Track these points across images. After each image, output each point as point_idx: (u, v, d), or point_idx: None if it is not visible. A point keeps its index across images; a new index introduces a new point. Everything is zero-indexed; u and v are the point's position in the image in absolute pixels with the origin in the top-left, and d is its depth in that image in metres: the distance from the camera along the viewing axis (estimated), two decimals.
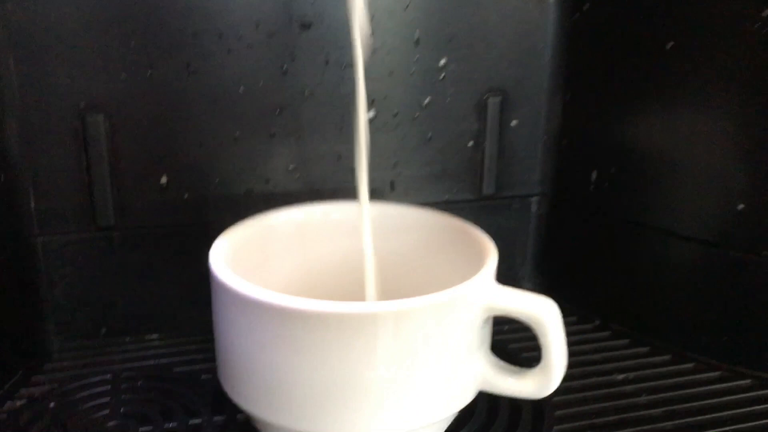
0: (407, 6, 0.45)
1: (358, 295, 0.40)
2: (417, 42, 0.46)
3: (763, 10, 0.39)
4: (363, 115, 0.36)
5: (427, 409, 0.35)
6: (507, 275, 0.53)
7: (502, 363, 0.36)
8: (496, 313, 0.35)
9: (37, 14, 0.40)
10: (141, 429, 0.38)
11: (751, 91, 0.40)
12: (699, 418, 0.39)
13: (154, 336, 0.46)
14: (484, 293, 0.34)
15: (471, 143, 0.49)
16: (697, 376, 0.43)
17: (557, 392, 0.41)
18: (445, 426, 0.38)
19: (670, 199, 0.45)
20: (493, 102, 0.48)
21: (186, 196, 0.45)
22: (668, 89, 0.44)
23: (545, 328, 0.34)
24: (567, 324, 0.49)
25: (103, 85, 0.41)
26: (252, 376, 0.34)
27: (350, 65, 0.41)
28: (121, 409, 0.39)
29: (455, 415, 0.38)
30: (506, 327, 0.43)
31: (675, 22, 0.42)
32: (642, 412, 0.40)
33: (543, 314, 0.33)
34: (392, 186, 0.48)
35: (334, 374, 0.33)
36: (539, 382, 0.35)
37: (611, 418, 0.39)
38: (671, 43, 0.42)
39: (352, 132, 0.39)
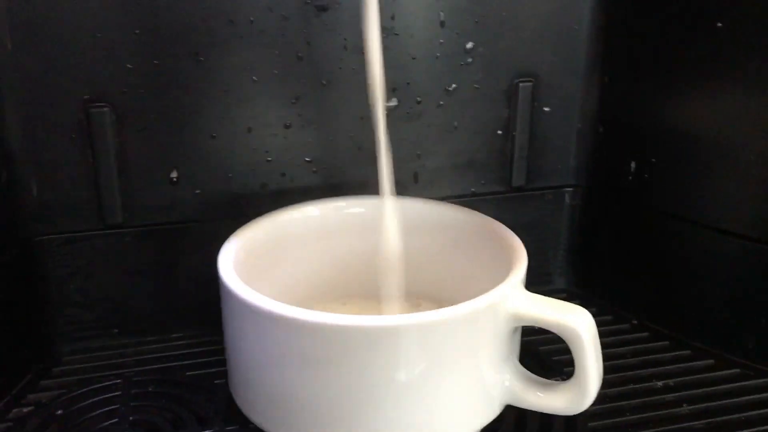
0: None
1: (377, 298, 0.37)
2: (442, 24, 0.43)
3: None
4: (381, 103, 0.34)
5: (449, 427, 0.32)
6: (538, 272, 0.50)
7: (531, 375, 0.34)
8: (525, 323, 0.32)
9: (38, 3, 0.37)
10: None
11: None
12: (751, 431, 0.36)
13: (166, 336, 0.44)
14: (512, 302, 0.32)
15: (500, 132, 0.46)
16: (743, 383, 0.40)
17: None
18: None
19: (715, 191, 0.42)
20: (524, 87, 0.45)
21: (197, 191, 0.42)
22: (715, 73, 0.40)
23: (579, 341, 0.31)
24: (602, 323, 0.46)
25: (107, 75, 0.39)
26: (264, 390, 0.33)
27: None
28: (131, 418, 0.38)
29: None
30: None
31: (725, 0, 0.38)
32: (684, 425, 0.37)
33: (577, 326, 0.31)
34: (416, 178, 0.45)
35: (352, 390, 0.31)
36: (571, 399, 0.32)
37: (650, 431, 0.37)
38: (720, 24, 0.39)
39: (373, 121, 0.37)
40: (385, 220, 0.36)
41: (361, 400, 0.31)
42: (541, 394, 0.33)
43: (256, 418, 0.34)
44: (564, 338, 0.31)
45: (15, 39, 0.38)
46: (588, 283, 0.50)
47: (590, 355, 0.31)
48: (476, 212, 0.39)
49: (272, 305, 0.30)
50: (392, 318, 0.30)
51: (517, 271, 0.33)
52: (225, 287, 0.32)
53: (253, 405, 0.34)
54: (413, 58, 0.43)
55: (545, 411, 0.33)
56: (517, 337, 0.34)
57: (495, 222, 0.38)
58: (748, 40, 0.38)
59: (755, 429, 0.37)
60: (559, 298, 0.33)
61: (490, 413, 0.33)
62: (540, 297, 0.32)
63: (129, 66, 0.39)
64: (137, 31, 0.39)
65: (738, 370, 0.41)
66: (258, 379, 0.33)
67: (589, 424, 0.37)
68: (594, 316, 0.47)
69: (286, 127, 0.42)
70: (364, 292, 0.38)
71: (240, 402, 0.35)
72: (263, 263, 0.37)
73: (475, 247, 0.38)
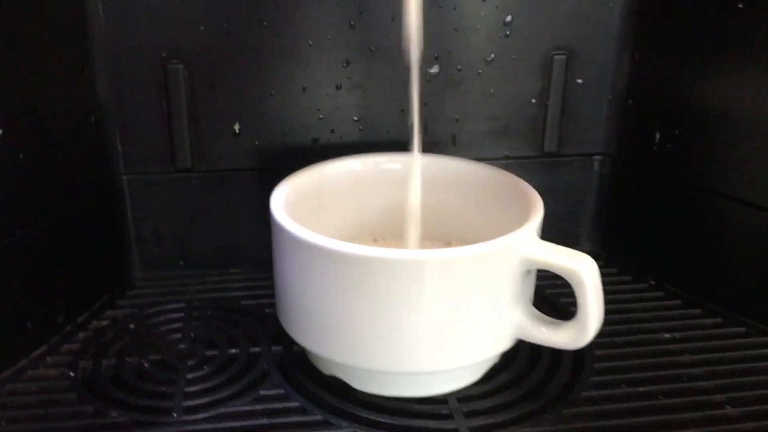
0: None
1: (407, 239, 0.42)
2: None
3: None
4: (416, 69, 0.38)
5: (466, 351, 0.37)
6: (567, 233, 0.54)
7: (540, 314, 0.38)
8: (535, 265, 0.36)
9: None
10: (207, 353, 0.42)
11: None
12: (740, 379, 0.40)
13: (226, 270, 0.50)
14: (525, 246, 0.36)
15: (534, 101, 0.49)
16: (746, 340, 0.43)
17: (601, 345, 0.42)
18: (486, 368, 0.40)
19: (733, 163, 0.44)
20: (559, 60, 0.48)
21: (257, 142, 0.47)
22: (738, 51, 0.43)
23: (582, 283, 0.35)
24: (622, 283, 0.50)
25: (183, 36, 0.44)
26: (305, 313, 0.38)
27: None
28: (192, 335, 0.43)
29: (497, 359, 0.41)
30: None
31: None
32: (682, 371, 0.40)
33: (579, 269, 0.35)
34: (453, 141, 0.49)
35: (381, 314, 0.35)
36: (574, 334, 0.36)
37: (649, 373, 0.40)
38: (741, 4, 0.41)
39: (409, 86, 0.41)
40: (412, 175, 0.40)
41: (388, 323, 0.35)
42: (547, 330, 0.37)
43: (299, 338, 0.39)
44: (569, 281, 0.35)
45: (105, 4, 0.43)
46: (613, 246, 0.53)
47: (591, 296, 0.35)
48: (501, 170, 0.43)
49: (314, 237, 0.35)
50: (415, 252, 0.35)
51: (533, 220, 0.37)
52: (275, 222, 0.37)
53: (295, 326, 0.39)
54: (455, 29, 0.47)
55: (550, 345, 0.37)
56: (531, 280, 0.38)
57: (517, 178, 0.42)
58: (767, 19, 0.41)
59: (749, 378, 0.40)
60: None
61: (502, 344, 0.38)
62: (550, 244, 0.36)
63: (201, 28, 0.44)
64: None
65: (743, 329, 0.44)
66: (300, 303, 0.38)
67: (596, 365, 0.41)
68: (614, 275, 0.51)
69: (337, 88, 0.47)
70: (398, 233, 0.43)
71: (285, 325, 0.40)
72: (310, 206, 0.42)
73: (500, 200, 0.42)
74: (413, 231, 0.41)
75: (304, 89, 0.47)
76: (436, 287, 0.35)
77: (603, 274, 0.50)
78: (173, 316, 0.45)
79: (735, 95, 0.43)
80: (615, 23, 0.48)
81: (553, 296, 0.46)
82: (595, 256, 0.52)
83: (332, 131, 0.48)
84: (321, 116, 0.47)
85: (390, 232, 0.44)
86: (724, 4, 0.42)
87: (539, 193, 0.39)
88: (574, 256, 0.35)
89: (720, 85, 0.44)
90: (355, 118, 0.48)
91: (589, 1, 0.47)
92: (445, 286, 0.35)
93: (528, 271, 0.37)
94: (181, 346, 0.42)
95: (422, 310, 0.35)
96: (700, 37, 0.44)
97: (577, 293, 0.35)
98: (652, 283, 0.50)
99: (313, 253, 0.36)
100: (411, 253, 0.34)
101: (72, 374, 0.40)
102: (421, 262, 0.34)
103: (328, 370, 0.40)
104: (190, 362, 0.41)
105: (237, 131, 0.47)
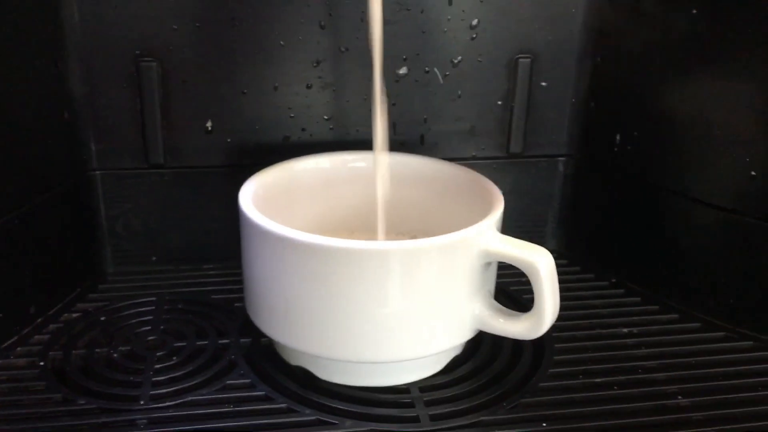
0: None
1: (373, 237, 0.43)
2: (450, 2, 0.48)
3: None
4: (378, 69, 0.39)
5: (428, 341, 0.38)
6: (533, 232, 0.55)
7: (499, 306, 0.39)
8: (494, 258, 0.37)
9: None
10: (176, 344, 0.42)
11: None
12: (693, 371, 0.41)
13: (197, 266, 0.51)
14: (484, 239, 0.37)
15: (500, 102, 0.51)
16: (701, 335, 0.45)
17: (561, 339, 0.44)
18: (449, 358, 0.41)
19: (689, 163, 0.46)
20: (524, 63, 0.50)
21: (229, 140, 0.48)
22: (694, 55, 0.44)
23: (538, 275, 0.36)
24: (584, 280, 0.52)
25: (156, 34, 0.45)
26: (271, 303, 0.39)
27: (386, 22, 0.44)
28: (161, 327, 0.44)
29: (460, 350, 0.42)
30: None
31: None
32: (637, 363, 0.42)
33: (535, 261, 0.36)
34: (422, 140, 0.51)
35: (343, 304, 0.36)
36: (530, 325, 0.37)
37: (607, 365, 0.42)
38: (695, 10, 0.43)
39: (385, 86, 0.42)
40: (377, 172, 0.41)
41: (350, 313, 0.36)
42: (505, 321, 0.38)
43: (265, 328, 0.40)
44: (526, 273, 0.37)
45: (80, 1, 0.44)
46: (577, 245, 0.54)
47: (547, 288, 0.36)
48: (464, 167, 0.44)
49: (277, 227, 0.36)
50: (377, 242, 0.36)
51: (493, 214, 0.38)
52: (241, 214, 0.38)
53: (261, 317, 0.40)
54: (423, 32, 0.48)
55: (508, 335, 0.38)
56: (491, 273, 0.40)
57: (479, 175, 0.43)
58: (718, 26, 0.42)
59: (701, 371, 0.41)
60: None
61: (463, 334, 0.39)
62: (509, 237, 0.38)
63: (174, 27, 0.45)
64: None
65: (698, 324, 0.46)
66: (265, 293, 0.39)
67: (555, 357, 0.42)
68: (578, 273, 0.53)
69: (308, 87, 0.48)
70: (365, 227, 0.44)
71: (252, 316, 0.41)
72: (280, 201, 0.42)
73: (463, 195, 0.43)
74: (380, 225, 0.42)
75: (275, 88, 0.48)
76: (398, 277, 0.36)
77: (567, 273, 0.53)
78: (144, 309, 0.46)
79: (691, 98, 0.45)
80: (577, 28, 0.50)
81: (516, 293, 0.48)
82: (560, 255, 0.54)
83: (303, 129, 0.49)
84: (292, 114, 0.49)
85: (361, 226, 0.45)
86: (679, 9, 0.44)
87: (506, 192, 0.41)
88: (531, 249, 0.37)
89: (677, 88, 0.46)
90: (325, 116, 0.49)
91: (553, 6, 0.49)
92: (407, 276, 0.36)
93: (488, 264, 0.38)
94: (151, 337, 0.43)
95: (384, 300, 0.36)
96: (658, 41, 0.46)
97: (533, 285, 0.37)
98: (614, 280, 0.51)
99: (277, 243, 0.37)
100: (373, 244, 0.35)
101: (42, 363, 0.41)
102: (384, 252, 0.35)
103: (294, 360, 0.41)
104: (159, 353, 0.42)
105: (209, 128, 0.48)
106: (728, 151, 0.44)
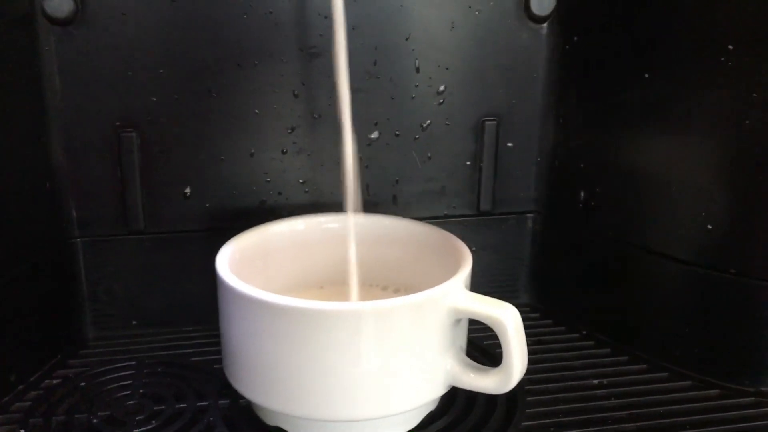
0: (408, 37, 0.49)
1: (348, 297, 0.45)
2: (417, 70, 0.50)
3: (728, 44, 0.42)
4: (348, 138, 0.41)
5: (401, 398, 0.39)
6: (506, 287, 0.57)
7: (470, 361, 0.40)
8: (463, 315, 0.39)
9: (81, 48, 0.46)
10: (155, 408, 0.43)
11: (719, 120, 0.43)
12: (661, 421, 0.42)
13: (177, 329, 0.51)
14: (452, 297, 0.38)
15: (468, 162, 0.53)
16: (668, 385, 0.46)
17: (533, 391, 0.45)
18: (422, 414, 0.42)
19: (650, 218, 0.48)
20: (490, 125, 0.52)
21: (207, 204, 0.50)
22: (648, 115, 0.47)
23: (504, 329, 0.37)
24: (556, 333, 0.53)
25: (136, 105, 0.47)
26: (246, 364, 0.39)
27: (357, 90, 0.47)
28: (141, 391, 0.45)
29: (435, 405, 0.43)
30: None
31: (649, 54, 0.45)
32: (608, 414, 0.43)
33: (502, 316, 0.37)
34: (394, 200, 0.52)
35: (316, 363, 0.37)
36: (500, 380, 0.38)
37: (578, 417, 0.43)
38: (647, 74, 0.46)
39: (359, 150, 0.44)
40: (348, 233, 0.43)
41: (325, 372, 0.37)
42: (475, 376, 0.39)
43: (242, 389, 0.41)
44: (494, 329, 0.38)
45: (62, 75, 0.46)
46: (548, 298, 0.56)
47: (514, 343, 0.38)
48: (434, 227, 0.46)
49: (251, 290, 0.37)
50: (351, 303, 0.37)
51: (460, 273, 0.40)
52: (218, 276, 0.40)
53: (238, 378, 0.40)
54: (392, 98, 0.50)
55: (479, 390, 0.39)
56: (462, 329, 0.41)
57: (449, 234, 0.45)
58: (669, 89, 0.45)
59: (670, 420, 0.42)
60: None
61: (435, 390, 0.40)
62: (476, 294, 0.39)
63: (153, 99, 0.47)
64: (161, 71, 0.47)
65: (666, 374, 0.47)
66: (241, 354, 0.39)
67: (528, 410, 0.43)
68: (550, 326, 0.54)
69: (283, 153, 0.50)
70: (340, 284, 0.45)
71: (230, 377, 0.42)
72: (256, 264, 0.44)
73: (435, 253, 0.45)
74: (353, 283, 0.43)
75: (251, 154, 0.50)
76: (370, 336, 0.37)
77: (539, 326, 0.54)
78: (123, 373, 0.47)
79: (650, 155, 0.47)
80: (539, 91, 0.52)
81: (492, 347, 0.49)
82: (532, 309, 0.56)
83: (279, 193, 0.51)
84: (268, 179, 0.50)
85: (335, 280, 0.46)
86: (633, 74, 0.46)
87: (478, 249, 0.42)
88: (498, 305, 0.38)
89: (636, 146, 0.48)
90: (300, 180, 0.51)
91: (515, 72, 0.51)
92: (379, 334, 0.37)
93: (458, 321, 0.40)
94: (130, 402, 0.44)
95: (357, 359, 0.37)
96: (615, 103, 0.48)
97: (501, 340, 0.38)
98: (584, 332, 0.52)
99: (249, 304, 0.38)
100: (344, 304, 0.37)
101: (22, 431, 0.41)
102: (355, 312, 0.37)
103: (272, 420, 0.41)
104: (138, 417, 0.42)
105: (188, 194, 0.50)
106: (686, 205, 0.46)
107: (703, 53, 0.43)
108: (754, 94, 0.41)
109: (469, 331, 0.42)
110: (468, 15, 0.50)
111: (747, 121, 0.42)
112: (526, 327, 0.38)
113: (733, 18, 0.41)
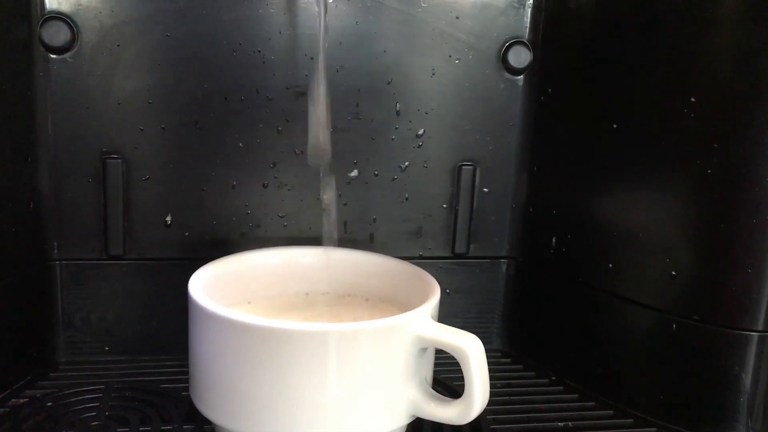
0: (390, 81, 0.51)
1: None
2: (398, 113, 0.52)
3: (690, 98, 0.44)
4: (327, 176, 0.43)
5: (364, 425, 0.39)
6: (480, 330, 0.55)
7: (433, 392, 0.41)
8: (427, 344, 0.39)
9: (74, 75, 0.48)
10: (119, 429, 0.43)
11: (683, 170, 0.45)
12: None
13: (149, 356, 0.52)
14: (417, 325, 0.39)
15: (445, 205, 0.54)
16: (633, 430, 0.46)
17: (498, 431, 0.45)
18: None
19: (617, 265, 0.49)
20: (466, 170, 0.54)
21: (187, 234, 0.51)
22: (617, 165, 0.48)
23: (467, 358, 0.38)
24: (525, 378, 0.53)
25: (123, 134, 0.49)
26: (208, 383, 0.40)
27: (339, 129, 0.48)
28: (107, 413, 0.45)
29: None
30: None
31: (618, 107, 0.47)
32: None
33: (465, 346, 0.38)
34: (371, 239, 0.54)
35: (280, 384, 0.38)
36: (461, 410, 0.39)
37: None
38: (615, 125, 0.47)
39: (337, 187, 0.46)
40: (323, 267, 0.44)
41: (287, 393, 0.37)
42: (436, 406, 0.40)
43: (203, 410, 0.41)
44: (456, 358, 0.39)
45: (54, 100, 0.48)
46: (520, 343, 0.56)
47: (476, 373, 0.38)
48: (404, 261, 0.47)
49: (217, 308, 0.38)
50: (315, 324, 0.38)
51: (428, 303, 0.41)
52: (189, 297, 0.40)
53: (201, 400, 0.41)
54: (372, 139, 0.52)
55: (441, 421, 0.40)
56: (427, 360, 0.41)
57: (419, 269, 0.46)
58: (638, 140, 0.47)
59: None
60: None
61: (398, 419, 0.40)
62: (441, 324, 0.40)
63: (141, 128, 0.49)
64: (150, 102, 0.49)
65: (631, 420, 0.48)
66: (204, 373, 0.40)
67: None
68: (521, 371, 0.55)
69: (264, 186, 0.51)
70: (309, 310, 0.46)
71: (195, 400, 0.42)
72: (228, 291, 0.45)
73: (404, 289, 0.45)
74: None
75: (233, 186, 0.51)
76: (333, 358, 0.37)
77: (510, 370, 0.55)
78: (91, 396, 0.47)
79: (617, 204, 0.49)
80: (515, 140, 0.54)
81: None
82: (504, 354, 0.56)
83: (258, 225, 0.52)
84: (248, 211, 0.51)
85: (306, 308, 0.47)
86: (602, 125, 0.48)
87: (452, 291, 0.43)
88: (461, 335, 0.39)
89: (604, 195, 0.49)
90: (279, 214, 0.52)
91: (492, 120, 0.53)
92: (343, 357, 0.38)
93: (423, 350, 0.40)
94: (95, 423, 0.44)
95: (321, 380, 0.37)
96: (586, 152, 0.50)
97: (464, 370, 0.38)
98: (554, 378, 0.53)
99: (216, 322, 0.38)
100: (310, 325, 0.37)
101: None
102: (320, 334, 0.37)
103: None
104: None
105: (169, 222, 0.51)
106: (651, 253, 0.47)
107: (667, 105, 0.45)
108: (715, 145, 0.43)
109: (440, 372, 0.43)
110: (448, 63, 0.52)
111: (709, 171, 0.44)
112: (497, 372, 0.39)
113: (694, 70, 0.44)
